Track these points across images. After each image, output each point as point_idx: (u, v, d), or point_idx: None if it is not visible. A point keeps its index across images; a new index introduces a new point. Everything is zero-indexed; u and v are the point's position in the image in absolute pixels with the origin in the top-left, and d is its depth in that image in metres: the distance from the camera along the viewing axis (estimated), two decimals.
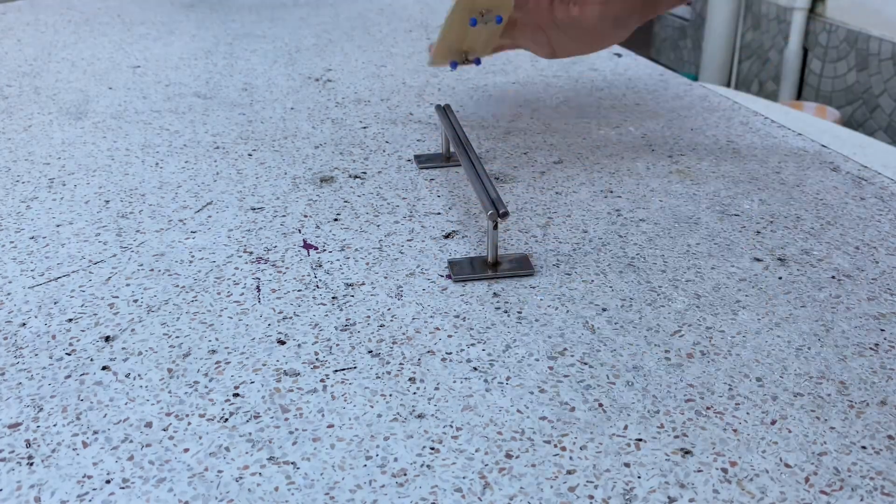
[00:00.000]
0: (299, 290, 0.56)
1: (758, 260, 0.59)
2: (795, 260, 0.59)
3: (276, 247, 0.61)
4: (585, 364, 0.48)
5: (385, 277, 0.57)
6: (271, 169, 0.75)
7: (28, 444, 0.42)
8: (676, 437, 0.43)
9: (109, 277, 0.57)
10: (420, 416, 0.44)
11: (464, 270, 0.57)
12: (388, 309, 0.54)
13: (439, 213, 0.66)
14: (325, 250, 0.61)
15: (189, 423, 0.44)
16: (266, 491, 0.39)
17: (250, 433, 0.43)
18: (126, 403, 0.45)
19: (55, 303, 0.54)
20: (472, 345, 0.50)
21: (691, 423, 0.44)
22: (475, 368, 0.48)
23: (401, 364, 0.48)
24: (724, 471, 0.40)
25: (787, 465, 0.41)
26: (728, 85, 3.39)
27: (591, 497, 0.39)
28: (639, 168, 0.74)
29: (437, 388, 0.46)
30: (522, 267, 0.58)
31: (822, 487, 0.40)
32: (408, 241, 0.62)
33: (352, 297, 0.55)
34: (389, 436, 0.43)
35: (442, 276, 0.57)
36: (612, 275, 0.57)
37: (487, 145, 0.80)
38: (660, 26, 3.89)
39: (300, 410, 0.45)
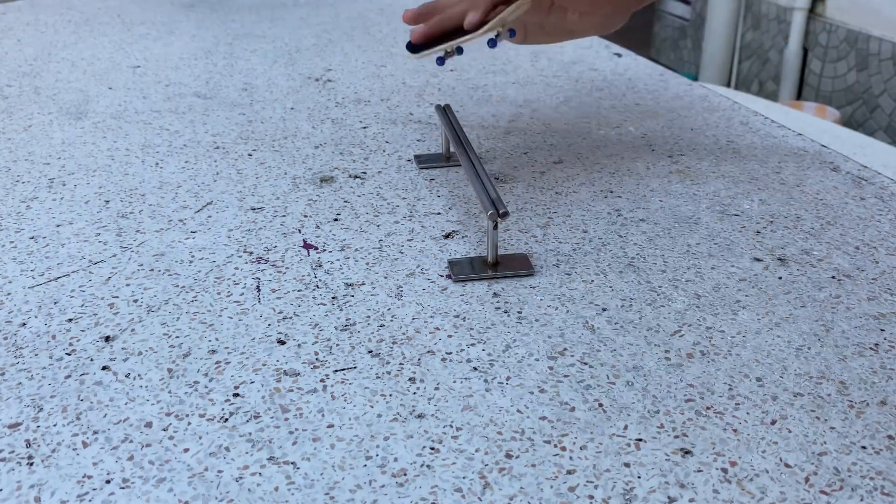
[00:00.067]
0: (299, 290, 0.56)
1: (758, 260, 0.59)
2: (795, 260, 0.59)
3: (276, 247, 0.61)
4: (585, 364, 0.48)
5: (385, 277, 0.57)
6: (271, 169, 0.75)
7: (28, 444, 0.42)
8: (676, 437, 0.43)
9: (109, 277, 0.57)
10: (420, 416, 0.44)
11: (464, 270, 0.57)
12: (388, 309, 0.54)
13: (439, 213, 0.66)
14: (325, 250, 0.61)
15: (189, 423, 0.44)
16: (266, 491, 0.39)
17: (250, 433, 0.43)
18: (126, 403, 0.45)
19: (55, 303, 0.54)
20: (472, 345, 0.50)
21: (691, 423, 0.44)
22: (475, 368, 0.48)
23: (401, 364, 0.48)
24: (724, 471, 0.40)
25: (787, 465, 0.41)
26: (728, 85, 3.39)
27: (591, 497, 0.39)
28: (639, 168, 0.74)
29: (437, 388, 0.46)
30: (522, 267, 0.58)
31: (822, 487, 0.40)
32: (408, 241, 0.62)
33: (352, 297, 0.55)
34: (389, 436, 0.43)
35: (442, 276, 0.57)
36: (612, 275, 0.57)
37: (487, 145, 0.80)
38: (660, 26, 3.89)
39: (300, 410, 0.45)
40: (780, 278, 0.57)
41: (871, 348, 0.50)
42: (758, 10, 3.23)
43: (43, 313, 0.53)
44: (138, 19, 1.28)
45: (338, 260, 0.59)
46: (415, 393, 0.46)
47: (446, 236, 0.63)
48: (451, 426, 0.43)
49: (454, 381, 0.47)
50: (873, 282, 0.57)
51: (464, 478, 0.40)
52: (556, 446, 0.42)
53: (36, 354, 0.49)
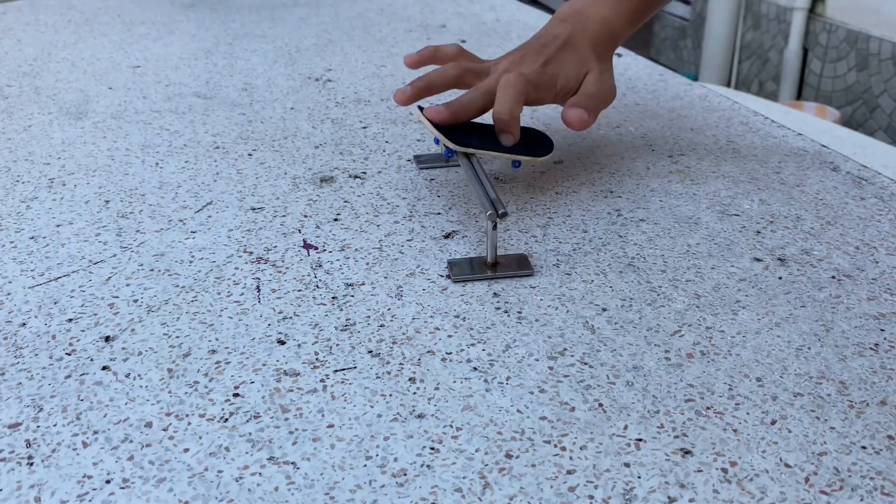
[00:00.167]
0: (299, 290, 0.56)
1: (758, 260, 0.59)
2: (795, 260, 0.59)
3: (276, 247, 0.61)
4: (585, 364, 0.48)
5: (385, 277, 0.57)
6: (271, 169, 0.75)
7: (28, 444, 0.42)
8: (676, 437, 0.43)
9: (109, 277, 0.57)
10: (420, 416, 0.44)
11: (463, 270, 0.57)
12: (388, 309, 0.54)
13: (439, 213, 0.66)
14: (325, 250, 0.61)
15: (189, 423, 0.44)
16: (266, 491, 0.39)
17: (250, 433, 0.43)
18: (126, 403, 0.45)
19: (55, 303, 0.54)
20: (472, 345, 0.50)
21: (691, 423, 0.44)
22: (475, 368, 0.48)
23: (401, 364, 0.48)
24: (724, 471, 0.40)
25: (787, 465, 0.41)
26: (728, 85, 3.39)
27: (591, 497, 0.39)
28: (639, 168, 0.74)
29: (437, 388, 0.46)
30: (522, 267, 0.58)
31: (822, 487, 0.40)
32: (408, 241, 0.62)
33: (352, 297, 0.55)
34: (389, 436, 0.43)
35: (442, 276, 0.57)
36: (612, 275, 0.57)
37: None
38: (660, 26, 3.89)
39: (300, 410, 0.45)
40: (780, 278, 0.57)
41: (871, 348, 0.50)
42: (758, 10, 3.24)
43: (43, 313, 0.53)
44: (138, 19, 1.28)
45: (338, 260, 0.59)
46: (415, 393, 0.46)
47: (446, 236, 0.63)
48: (451, 426, 0.43)
49: (454, 381, 0.47)
50: (873, 282, 0.57)
51: (464, 478, 0.40)
52: (556, 446, 0.42)
53: (36, 354, 0.49)
